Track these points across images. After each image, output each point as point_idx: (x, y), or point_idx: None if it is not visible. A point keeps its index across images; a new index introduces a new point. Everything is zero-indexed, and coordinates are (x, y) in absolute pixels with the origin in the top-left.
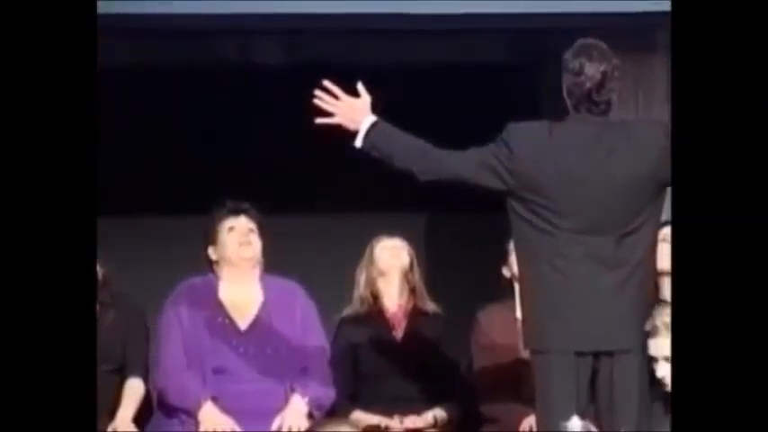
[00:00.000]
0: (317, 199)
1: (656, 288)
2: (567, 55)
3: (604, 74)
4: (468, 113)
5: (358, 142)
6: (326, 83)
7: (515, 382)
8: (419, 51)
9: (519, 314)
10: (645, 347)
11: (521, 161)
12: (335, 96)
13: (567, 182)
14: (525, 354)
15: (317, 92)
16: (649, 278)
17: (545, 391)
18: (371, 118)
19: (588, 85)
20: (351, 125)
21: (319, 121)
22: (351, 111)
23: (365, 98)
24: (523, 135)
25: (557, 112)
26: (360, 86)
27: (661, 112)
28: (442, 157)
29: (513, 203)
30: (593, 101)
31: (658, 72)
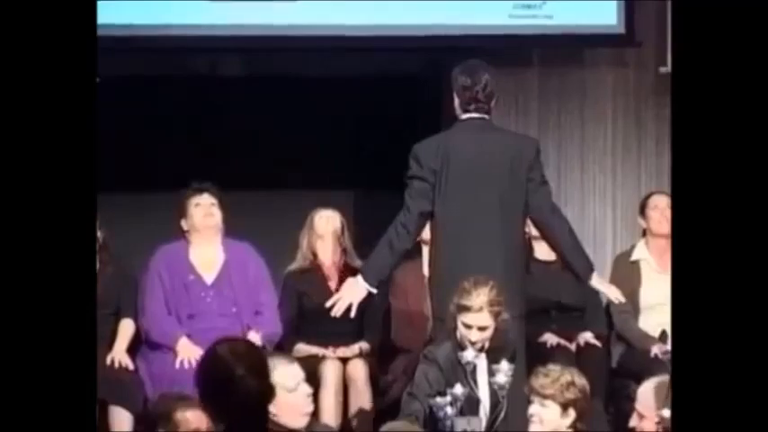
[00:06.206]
0: (269, 179)
1: (531, 249)
2: (457, 69)
3: (486, 80)
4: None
5: (374, 291)
6: (328, 303)
7: (423, 322)
8: (353, 65)
9: (425, 271)
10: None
11: (430, 169)
12: (336, 292)
13: (462, 178)
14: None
15: (332, 310)
16: (525, 251)
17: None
18: (359, 277)
19: (475, 88)
20: (362, 294)
21: (353, 315)
22: (351, 290)
23: (349, 279)
24: (426, 148)
25: (452, 118)
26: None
27: (535, 115)
28: (404, 225)
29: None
30: (478, 99)
31: (534, 83)
